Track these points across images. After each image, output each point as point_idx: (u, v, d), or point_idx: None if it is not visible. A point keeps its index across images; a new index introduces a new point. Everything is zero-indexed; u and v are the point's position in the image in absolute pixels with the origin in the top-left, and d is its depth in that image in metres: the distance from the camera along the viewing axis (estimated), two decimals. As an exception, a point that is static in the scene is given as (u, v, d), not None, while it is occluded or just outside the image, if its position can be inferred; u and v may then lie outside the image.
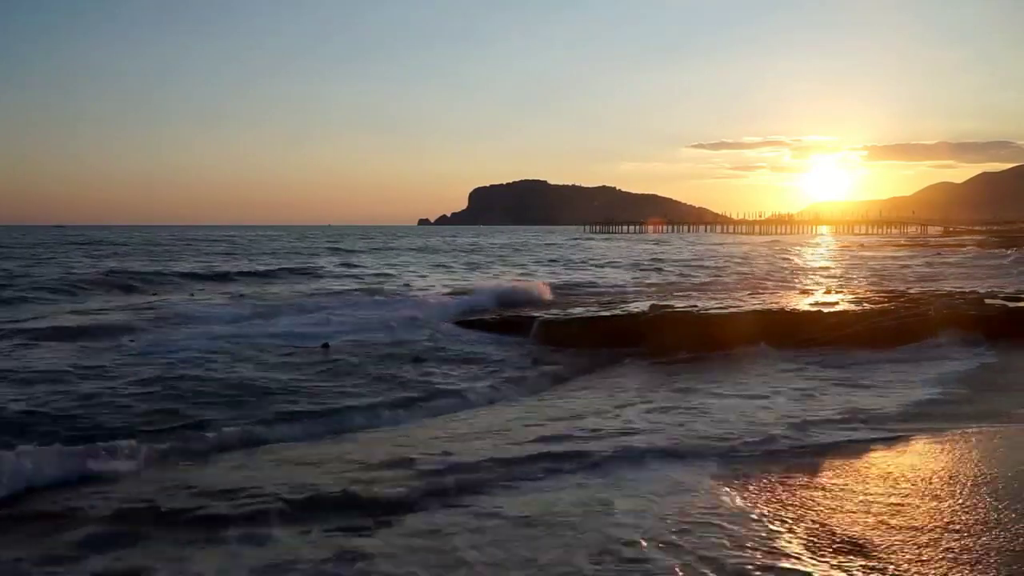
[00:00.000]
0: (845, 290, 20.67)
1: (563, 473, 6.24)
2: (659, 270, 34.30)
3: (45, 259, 38.53)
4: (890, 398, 8.94)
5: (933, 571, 4.31)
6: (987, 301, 14.99)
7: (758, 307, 15.31)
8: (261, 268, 31.67)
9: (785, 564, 4.46)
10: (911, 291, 18.49)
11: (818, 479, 6.00)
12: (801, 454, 6.68)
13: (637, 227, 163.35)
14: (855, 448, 6.81)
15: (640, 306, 15.86)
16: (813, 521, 5.11)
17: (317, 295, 20.42)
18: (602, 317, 14.64)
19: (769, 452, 6.75)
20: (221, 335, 13.30)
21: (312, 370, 10.46)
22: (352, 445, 7.24)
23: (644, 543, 4.77)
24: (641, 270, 34.43)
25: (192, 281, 25.27)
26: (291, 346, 12.16)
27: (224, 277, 27.07)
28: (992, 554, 4.47)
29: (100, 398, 8.51)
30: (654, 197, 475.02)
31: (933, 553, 4.52)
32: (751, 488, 5.81)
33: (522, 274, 31.19)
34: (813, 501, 5.49)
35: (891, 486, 5.75)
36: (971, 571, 4.29)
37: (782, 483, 5.91)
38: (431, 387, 9.68)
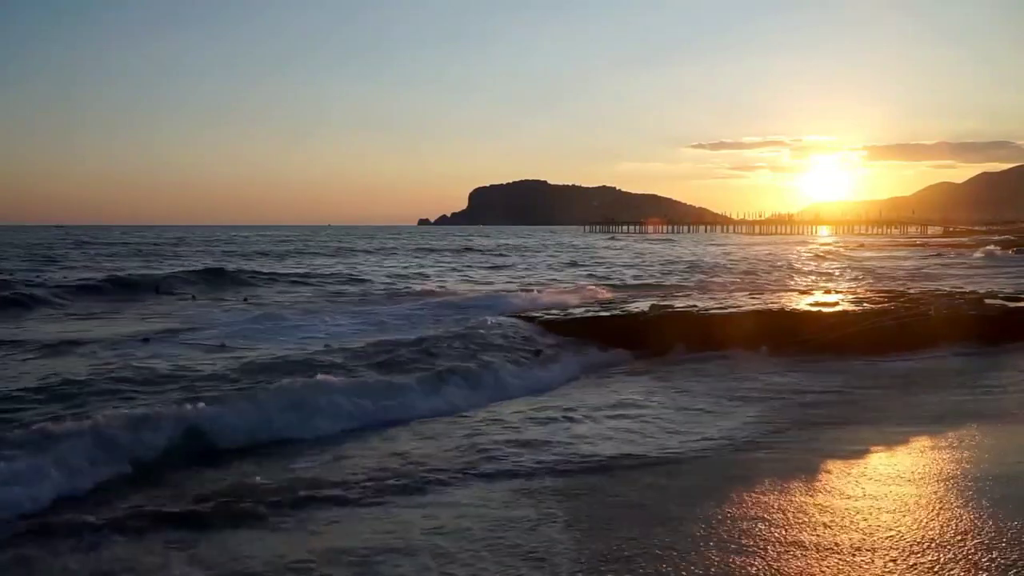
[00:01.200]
0: (845, 290, 20.66)
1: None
2: (683, 271, 33.57)
3: (49, 260, 38.30)
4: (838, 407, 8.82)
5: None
6: (987, 301, 14.98)
7: (759, 307, 15.28)
8: (266, 270, 30.79)
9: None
10: (911, 291, 18.48)
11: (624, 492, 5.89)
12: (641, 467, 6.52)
13: (637, 227, 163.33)
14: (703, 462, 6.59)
15: (640, 306, 15.86)
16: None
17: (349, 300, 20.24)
18: (602, 317, 14.62)
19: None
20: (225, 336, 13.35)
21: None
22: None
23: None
24: (668, 272, 33.43)
25: (215, 283, 24.49)
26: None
27: (230, 278, 26.26)
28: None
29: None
30: (654, 197, 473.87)
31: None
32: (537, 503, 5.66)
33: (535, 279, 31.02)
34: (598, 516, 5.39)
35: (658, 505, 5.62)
36: None
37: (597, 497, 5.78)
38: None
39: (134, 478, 6.25)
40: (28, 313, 17.37)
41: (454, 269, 35.94)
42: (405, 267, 37.16)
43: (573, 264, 39.83)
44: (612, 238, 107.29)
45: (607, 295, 20.12)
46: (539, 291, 21.49)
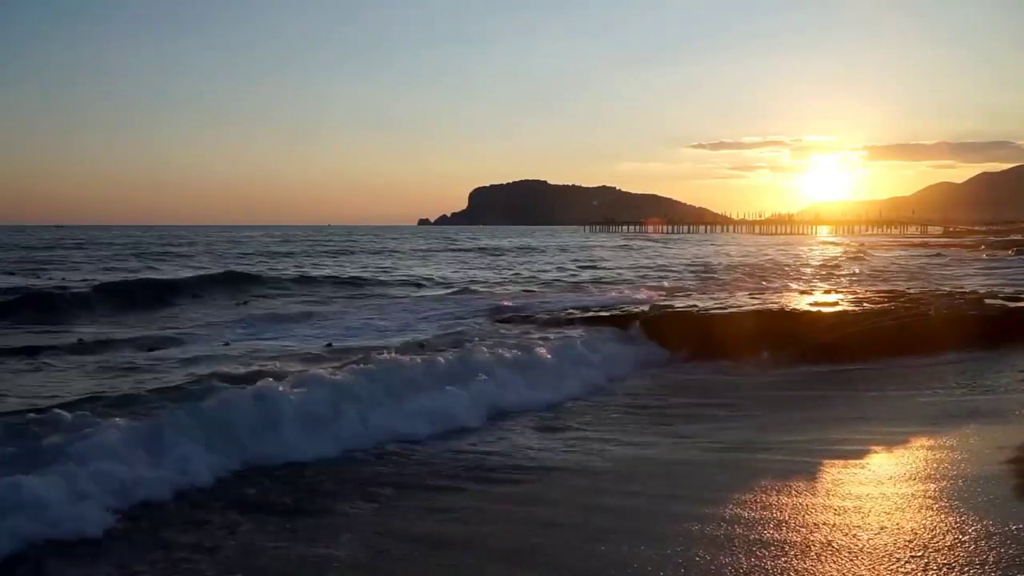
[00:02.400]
0: (845, 290, 20.64)
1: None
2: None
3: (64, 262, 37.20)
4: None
5: None
6: (987, 301, 14.99)
7: (758, 307, 15.27)
8: (321, 274, 29.00)
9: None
10: (911, 291, 18.47)
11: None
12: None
13: (637, 227, 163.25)
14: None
15: (641, 306, 15.88)
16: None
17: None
18: (602, 317, 14.65)
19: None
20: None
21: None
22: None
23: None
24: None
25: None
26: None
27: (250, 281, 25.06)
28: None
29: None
30: (654, 197, 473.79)
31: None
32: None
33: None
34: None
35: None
36: None
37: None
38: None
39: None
40: (69, 315, 16.72)
41: (493, 269, 34.83)
42: (427, 267, 36.40)
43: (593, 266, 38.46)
44: (627, 239, 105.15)
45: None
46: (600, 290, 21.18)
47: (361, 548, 4.95)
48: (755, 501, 5.52)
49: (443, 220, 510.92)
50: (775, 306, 15.47)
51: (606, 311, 15.47)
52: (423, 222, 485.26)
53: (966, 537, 4.69)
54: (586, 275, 30.55)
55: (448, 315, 16.39)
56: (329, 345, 12.22)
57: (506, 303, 17.80)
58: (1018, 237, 64.72)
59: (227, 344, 12.56)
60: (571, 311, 15.72)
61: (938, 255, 46.12)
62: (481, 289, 23.27)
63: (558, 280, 27.68)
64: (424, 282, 26.23)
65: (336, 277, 27.74)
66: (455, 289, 23.24)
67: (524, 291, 22.25)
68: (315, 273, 29.72)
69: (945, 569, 4.30)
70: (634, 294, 20.12)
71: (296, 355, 11.41)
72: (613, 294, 19.93)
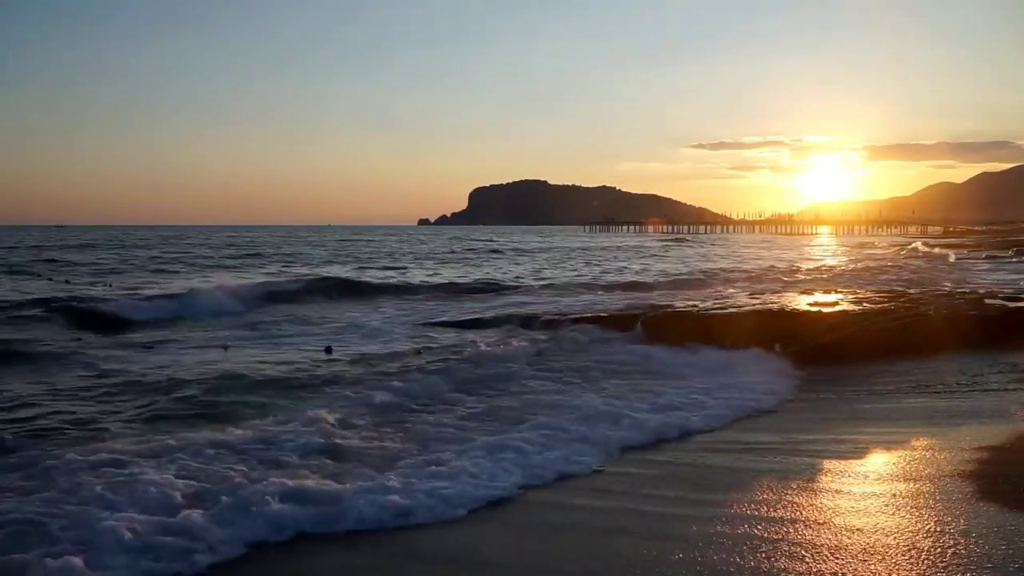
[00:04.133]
0: (845, 290, 20.60)
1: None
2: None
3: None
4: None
5: None
6: (987, 301, 14.99)
7: (758, 307, 15.26)
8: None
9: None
10: (911, 291, 18.45)
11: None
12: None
13: (637, 227, 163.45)
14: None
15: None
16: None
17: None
18: (601, 317, 14.68)
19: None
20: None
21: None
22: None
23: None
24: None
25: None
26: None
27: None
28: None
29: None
30: (654, 197, 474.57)
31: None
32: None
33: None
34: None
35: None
36: None
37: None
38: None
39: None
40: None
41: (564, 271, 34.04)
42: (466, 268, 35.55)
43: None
44: (663, 241, 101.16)
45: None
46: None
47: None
48: (756, 501, 5.52)
49: (443, 220, 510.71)
50: (775, 306, 15.46)
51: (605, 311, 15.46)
52: (423, 222, 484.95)
53: (967, 536, 4.69)
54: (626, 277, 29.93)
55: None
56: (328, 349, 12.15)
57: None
58: (1022, 237, 64.49)
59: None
60: (572, 312, 15.71)
61: (938, 255, 46.10)
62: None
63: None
64: (476, 284, 25.33)
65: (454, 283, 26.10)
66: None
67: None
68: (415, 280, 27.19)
69: (947, 568, 4.30)
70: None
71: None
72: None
